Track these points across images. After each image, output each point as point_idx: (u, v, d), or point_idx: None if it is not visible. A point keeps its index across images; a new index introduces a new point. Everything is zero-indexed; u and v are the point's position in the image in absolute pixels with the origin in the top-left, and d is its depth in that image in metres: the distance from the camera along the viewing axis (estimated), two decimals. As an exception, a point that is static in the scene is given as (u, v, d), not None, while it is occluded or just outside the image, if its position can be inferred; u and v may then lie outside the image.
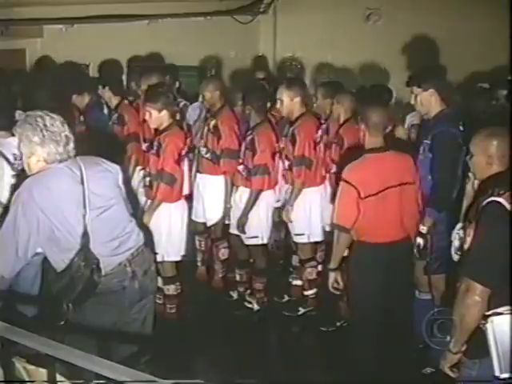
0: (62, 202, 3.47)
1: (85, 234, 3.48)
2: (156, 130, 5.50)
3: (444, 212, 4.64)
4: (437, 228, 4.64)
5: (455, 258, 3.49)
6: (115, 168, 3.79)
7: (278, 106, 5.78)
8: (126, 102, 6.51)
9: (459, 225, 3.52)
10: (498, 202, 3.01)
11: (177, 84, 6.93)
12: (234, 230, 5.96)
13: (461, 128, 4.70)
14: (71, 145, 3.52)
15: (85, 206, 3.49)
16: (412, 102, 4.90)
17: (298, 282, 6.08)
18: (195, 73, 8.54)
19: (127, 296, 3.64)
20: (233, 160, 5.95)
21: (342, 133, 5.59)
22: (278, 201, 6.00)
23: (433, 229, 4.64)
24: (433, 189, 4.64)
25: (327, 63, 9.09)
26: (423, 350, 4.39)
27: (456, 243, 3.46)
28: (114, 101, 6.45)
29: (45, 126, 3.46)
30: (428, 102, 4.76)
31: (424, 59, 8.15)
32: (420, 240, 4.65)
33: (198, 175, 6.19)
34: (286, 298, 6.22)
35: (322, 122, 5.87)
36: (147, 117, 5.44)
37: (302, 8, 9.17)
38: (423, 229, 4.64)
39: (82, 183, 3.50)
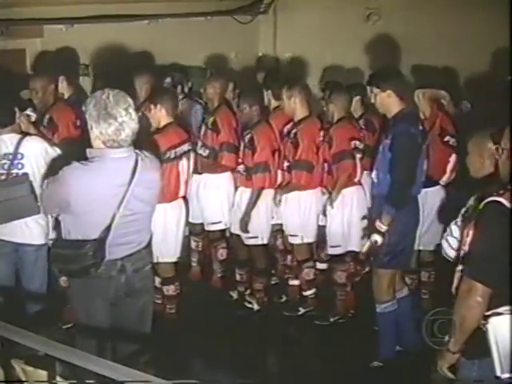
0: (98, 193, 3.49)
1: (107, 229, 3.51)
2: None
3: (401, 210, 4.71)
4: (394, 225, 4.71)
5: (452, 254, 3.47)
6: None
7: (282, 104, 5.81)
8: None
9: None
10: (499, 202, 3.01)
11: (189, 84, 6.85)
12: (234, 230, 5.96)
13: (420, 128, 4.81)
14: (126, 131, 3.46)
15: (119, 207, 3.51)
16: (372, 101, 4.94)
17: (295, 282, 6.06)
18: (195, 72, 8.52)
19: (112, 286, 3.66)
20: (232, 154, 5.94)
21: (331, 132, 5.62)
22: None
23: (391, 227, 4.71)
24: (391, 187, 4.71)
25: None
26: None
27: (451, 240, 3.45)
28: None
29: (105, 104, 3.45)
30: (387, 102, 4.78)
31: (385, 59, 8.13)
32: (377, 237, 4.72)
33: (196, 176, 6.05)
34: (286, 298, 6.20)
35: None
36: (148, 115, 5.44)
37: (302, 8, 9.14)
38: (380, 226, 4.71)
39: (129, 184, 3.52)
